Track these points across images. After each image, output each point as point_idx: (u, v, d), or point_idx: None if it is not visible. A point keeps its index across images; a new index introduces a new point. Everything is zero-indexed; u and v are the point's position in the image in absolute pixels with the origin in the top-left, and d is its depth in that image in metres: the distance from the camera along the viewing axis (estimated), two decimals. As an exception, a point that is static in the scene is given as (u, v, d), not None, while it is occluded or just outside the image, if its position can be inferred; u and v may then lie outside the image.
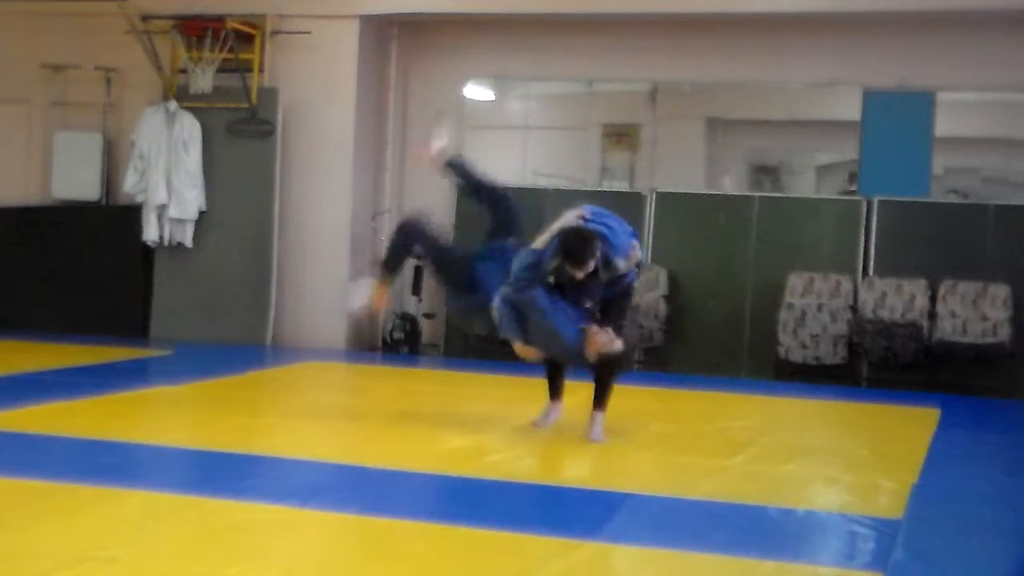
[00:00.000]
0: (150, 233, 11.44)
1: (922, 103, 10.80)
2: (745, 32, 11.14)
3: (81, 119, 12.11)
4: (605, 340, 6.81)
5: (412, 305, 11.49)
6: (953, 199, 10.92)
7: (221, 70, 11.44)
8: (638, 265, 7.14)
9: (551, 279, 6.78)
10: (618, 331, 6.91)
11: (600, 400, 7.09)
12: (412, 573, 4.43)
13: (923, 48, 10.78)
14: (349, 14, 11.47)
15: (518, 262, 6.88)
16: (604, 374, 7.05)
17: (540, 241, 6.88)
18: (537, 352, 7.02)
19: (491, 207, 7.52)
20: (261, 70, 11.52)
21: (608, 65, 11.53)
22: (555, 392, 7.40)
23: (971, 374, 10.22)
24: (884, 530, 5.11)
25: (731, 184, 11.61)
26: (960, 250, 10.61)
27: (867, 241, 10.81)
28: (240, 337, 11.32)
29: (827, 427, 8.67)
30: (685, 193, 11.41)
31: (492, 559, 4.69)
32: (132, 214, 11.56)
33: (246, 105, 11.38)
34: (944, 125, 10.78)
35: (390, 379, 10.15)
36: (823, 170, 11.81)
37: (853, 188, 11.04)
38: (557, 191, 11.55)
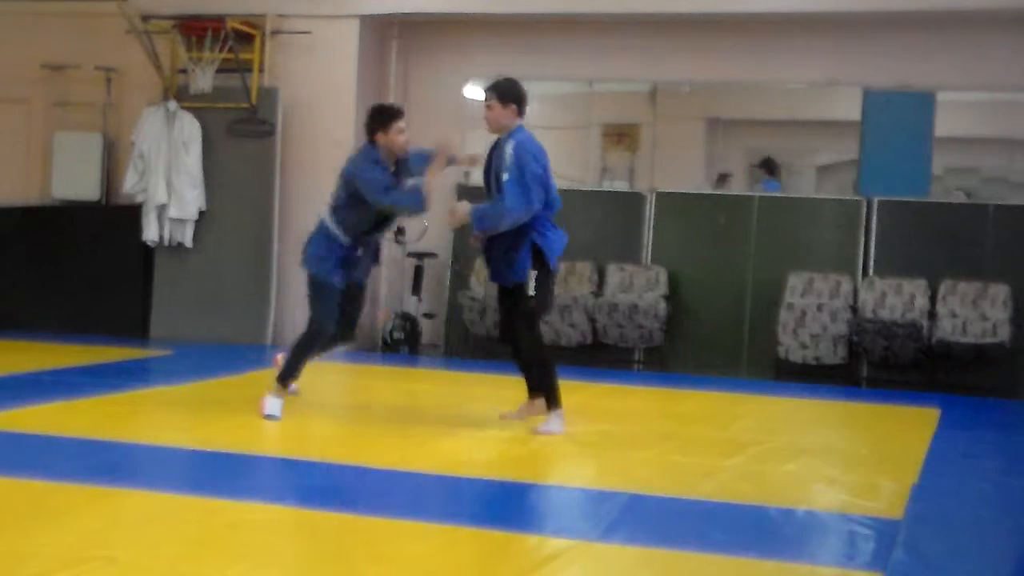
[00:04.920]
0: (150, 233, 11.44)
1: (922, 103, 10.79)
2: (745, 32, 11.14)
3: (81, 119, 12.11)
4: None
5: (412, 305, 11.49)
6: (959, 198, 10.92)
7: (221, 70, 11.44)
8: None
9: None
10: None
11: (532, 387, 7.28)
12: (412, 573, 4.43)
13: (923, 48, 10.78)
14: (349, 14, 11.47)
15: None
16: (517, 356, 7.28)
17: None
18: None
19: None
20: (261, 70, 11.52)
21: (608, 65, 11.53)
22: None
23: (971, 374, 10.21)
24: (884, 530, 5.11)
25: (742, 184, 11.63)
26: (960, 250, 10.60)
27: (867, 241, 10.81)
28: (240, 337, 11.32)
29: (827, 427, 8.67)
30: (685, 193, 11.42)
31: (492, 559, 4.69)
32: (132, 214, 11.55)
33: (246, 105, 11.38)
34: (944, 125, 10.78)
35: (390, 379, 10.15)
36: (823, 170, 11.82)
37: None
38: (557, 191, 11.55)
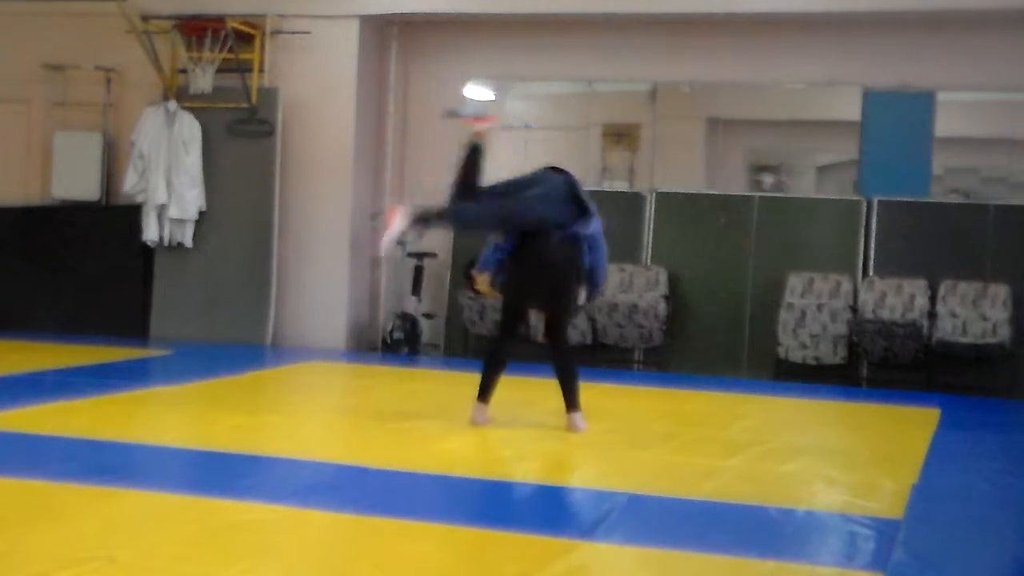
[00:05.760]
0: (150, 233, 11.44)
1: (922, 103, 10.79)
2: (745, 32, 11.14)
3: (81, 119, 12.11)
4: None
5: (412, 305, 11.49)
6: (955, 199, 10.92)
7: (221, 70, 11.45)
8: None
9: None
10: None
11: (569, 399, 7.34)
12: (412, 573, 4.43)
13: (923, 48, 10.79)
14: (349, 14, 11.47)
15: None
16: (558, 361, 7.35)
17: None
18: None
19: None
20: (261, 70, 11.53)
21: (608, 65, 11.53)
22: (487, 394, 7.42)
23: (971, 374, 10.21)
24: (884, 530, 5.11)
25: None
26: (960, 250, 10.60)
27: (867, 241, 10.81)
28: (240, 337, 11.32)
29: (827, 427, 8.67)
30: (685, 193, 11.42)
31: (492, 559, 4.69)
32: (132, 214, 11.55)
33: (246, 105, 11.39)
34: (944, 125, 10.78)
35: (390, 379, 10.15)
36: (823, 170, 11.81)
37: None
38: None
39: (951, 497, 6.00)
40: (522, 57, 11.73)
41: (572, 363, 7.41)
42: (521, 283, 7.32)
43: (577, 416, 7.32)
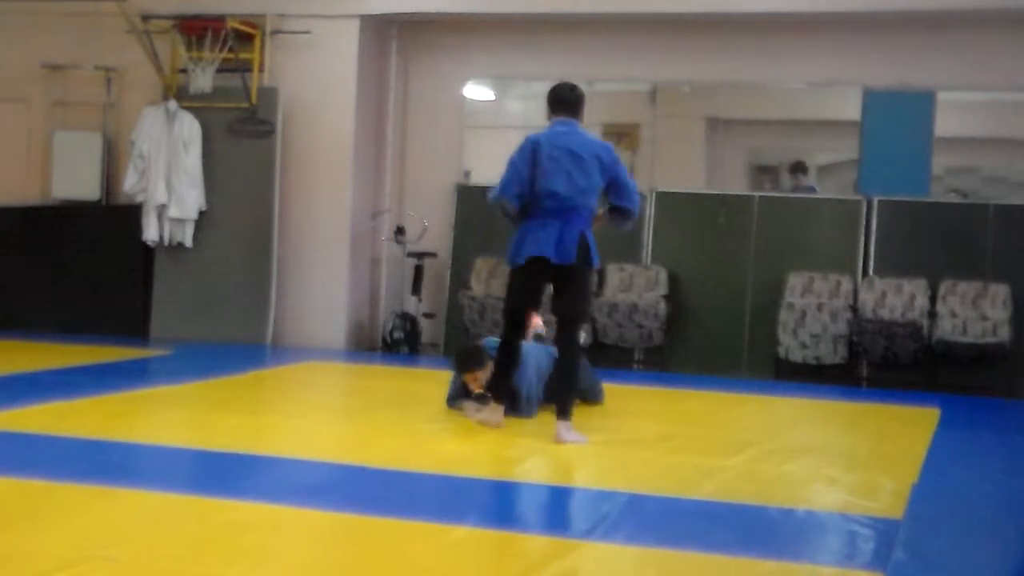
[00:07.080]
0: (150, 233, 11.44)
1: (922, 103, 10.79)
2: (745, 32, 11.14)
3: (81, 119, 12.10)
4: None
5: (412, 305, 11.49)
6: (954, 199, 10.92)
7: (221, 70, 11.45)
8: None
9: None
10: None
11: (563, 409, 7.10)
12: (412, 573, 4.43)
13: (923, 48, 10.78)
14: (349, 14, 11.47)
15: None
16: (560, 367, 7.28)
17: None
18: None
19: None
20: (261, 70, 11.53)
21: (608, 65, 11.53)
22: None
23: (971, 374, 10.21)
24: (884, 530, 5.11)
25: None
26: (960, 250, 10.60)
27: (867, 241, 10.81)
28: (240, 337, 11.32)
29: (827, 427, 8.67)
30: (685, 193, 11.42)
31: (492, 559, 4.70)
32: (132, 214, 11.56)
33: (246, 105, 11.39)
34: (944, 125, 10.77)
35: (390, 379, 10.15)
36: (823, 170, 11.81)
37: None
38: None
39: (951, 497, 6.00)
40: (522, 57, 11.73)
41: (576, 365, 7.31)
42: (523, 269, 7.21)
43: (563, 425, 7.01)
